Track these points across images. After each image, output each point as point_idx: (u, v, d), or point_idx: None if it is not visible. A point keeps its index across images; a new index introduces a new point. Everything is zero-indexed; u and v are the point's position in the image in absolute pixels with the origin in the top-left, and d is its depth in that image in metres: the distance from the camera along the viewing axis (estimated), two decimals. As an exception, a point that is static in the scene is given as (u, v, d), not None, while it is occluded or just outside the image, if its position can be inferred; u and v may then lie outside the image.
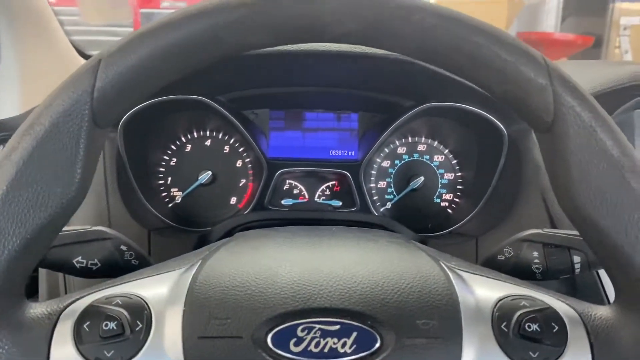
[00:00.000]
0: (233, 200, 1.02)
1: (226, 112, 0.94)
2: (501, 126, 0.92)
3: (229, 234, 0.84)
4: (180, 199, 1.01)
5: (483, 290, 0.47)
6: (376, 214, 1.01)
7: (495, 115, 0.91)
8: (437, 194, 1.03)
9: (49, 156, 0.39)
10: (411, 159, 1.03)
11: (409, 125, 0.98)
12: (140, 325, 0.43)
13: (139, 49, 0.40)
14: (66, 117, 0.40)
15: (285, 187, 1.02)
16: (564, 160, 0.41)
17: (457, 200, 1.03)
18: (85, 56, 1.14)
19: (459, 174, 1.03)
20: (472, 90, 0.85)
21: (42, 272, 0.77)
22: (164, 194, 1.00)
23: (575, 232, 0.60)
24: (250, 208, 1.00)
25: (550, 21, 4.89)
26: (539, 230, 0.60)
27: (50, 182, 0.40)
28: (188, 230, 0.98)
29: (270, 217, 0.95)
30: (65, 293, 0.76)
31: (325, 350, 0.41)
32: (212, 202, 1.02)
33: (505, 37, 0.41)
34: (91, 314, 0.43)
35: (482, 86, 0.43)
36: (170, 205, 1.01)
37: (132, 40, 0.40)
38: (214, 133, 1.01)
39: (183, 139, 1.00)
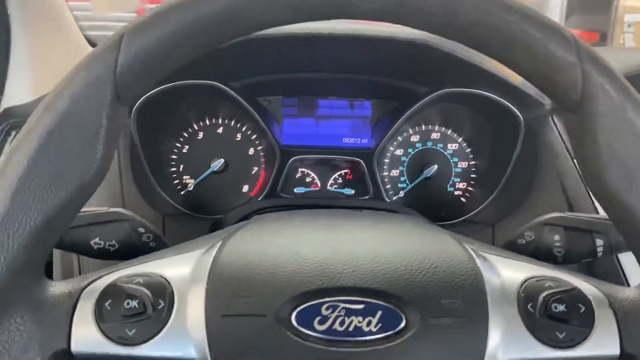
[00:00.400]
0: (245, 188, 1.02)
1: (240, 98, 0.93)
2: (517, 113, 0.91)
3: (242, 220, 0.83)
4: (192, 187, 1.01)
5: (508, 271, 0.46)
6: (389, 201, 1.00)
7: (512, 101, 0.90)
8: (451, 182, 1.03)
9: (71, 131, 0.39)
10: (425, 147, 1.02)
11: (423, 112, 0.98)
12: (163, 304, 0.42)
13: (162, 25, 0.39)
14: (89, 92, 0.39)
15: (298, 175, 1.02)
16: (593, 139, 0.40)
17: (470, 189, 1.02)
18: (95, 45, 1.14)
19: (473, 162, 1.02)
20: (488, 76, 0.85)
21: (57, 254, 0.77)
22: (176, 181, 1.00)
23: (598, 216, 0.59)
24: (262, 196, 1.00)
25: (554, 18, 4.87)
26: (561, 214, 0.59)
27: (72, 157, 0.39)
28: (201, 217, 0.97)
29: (283, 203, 0.95)
30: (80, 274, 0.76)
31: (350, 328, 0.41)
32: (224, 190, 1.01)
33: (534, 14, 0.40)
34: (112, 292, 0.43)
35: (510, 63, 0.42)
36: (182, 192, 1.00)
37: (155, 15, 0.40)
38: (226, 120, 1.00)
39: (195, 126, 1.00)
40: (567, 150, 0.85)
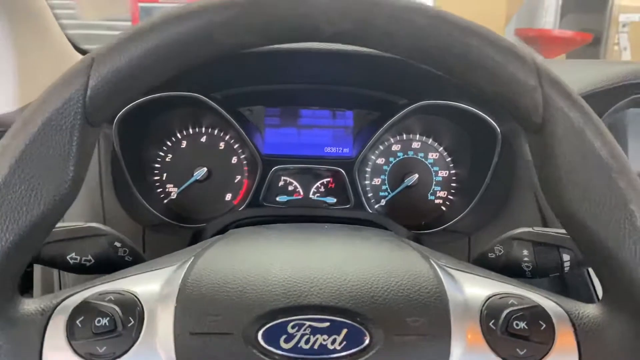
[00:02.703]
0: (228, 196, 1.03)
1: (221, 109, 0.94)
2: (494, 124, 0.92)
3: (223, 230, 0.84)
4: (175, 195, 1.01)
5: (472, 288, 0.47)
6: (370, 211, 1.01)
7: (489, 113, 0.92)
8: (432, 191, 1.04)
9: (42, 154, 0.40)
10: (406, 156, 1.03)
11: (404, 122, 0.99)
12: (133, 322, 0.43)
13: (132, 48, 0.40)
14: (59, 116, 0.40)
15: (280, 183, 1.02)
16: (553, 160, 0.41)
17: (451, 197, 1.04)
18: (81, 51, 1.14)
19: (453, 171, 1.03)
20: (466, 89, 0.86)
21: (37, 268, 0.78)
22: (159, 190, 1.01)
23: (564, 231, 0.60)
24: (245, 204, 1.00)
25: (549, 18, 4.88)
26: (529, 229, 0.61)
27: (43, 179, 0.40)
28: (183, 226, 0.98)
29: (265, 213, 0.95)
30: (60, 289, 0.77)
31: (315, 347, 0.42)
32: (207, 199, 1.02)
33: (495, 38, 0.42)
34: (84, 310, 0.43)
35: (473, 86, 0.43)
36: (165, 201, 1.01)
37: (125, 39, 0.41)
38: (210, 130, 1.01)
39: (178, 135, 1.01)
40: None
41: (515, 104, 0.42)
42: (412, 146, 1.03)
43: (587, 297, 0.76)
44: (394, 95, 0.97)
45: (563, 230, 0.60)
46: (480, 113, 0.92)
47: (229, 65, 0.86)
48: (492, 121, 0.92)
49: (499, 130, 0.92)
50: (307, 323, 0.42)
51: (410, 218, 1.01)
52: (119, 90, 0.41)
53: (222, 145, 1.02)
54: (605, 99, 0.81)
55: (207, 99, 0.92)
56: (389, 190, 1.03)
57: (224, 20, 0.40)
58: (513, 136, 0.91)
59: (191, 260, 0.48)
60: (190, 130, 1.01)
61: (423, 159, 1.03)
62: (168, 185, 1.01)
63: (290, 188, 1.03)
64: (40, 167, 0.40)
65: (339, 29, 0.41)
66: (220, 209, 1.02)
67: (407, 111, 0.94)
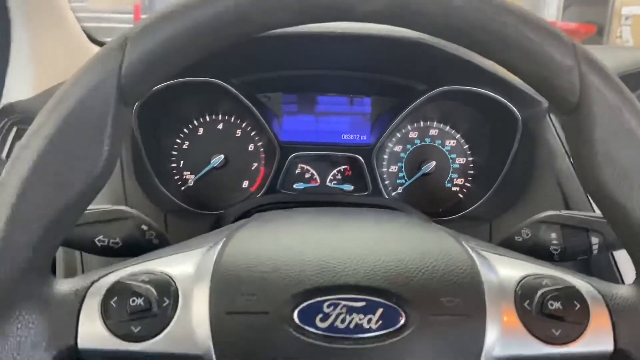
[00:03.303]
0: (245, 183, 1.03)
1: (239, 95, 0.94)
2: (515, 110, 0.92)
3: (243, 216, 0.84)
4: (192, 182, 1.01)
5: (505, 269, 0.47)
6: (388, 198, 1.01)
7: (509, 99, 0.91)
8: (449, 178, 1.03)
9: (77, 132, 0.40)
10: (423, 143, 1.03)
11: (422, 109, 0.99)
12: (168, 302, 0.43)
13: (166, 28, 0.40)
14: (94, 94, 0.40)
15: (297, 171, 1.02)
16: (589, 140, 0.41)
17: (468, 185, 1.03)
18: (96, 42, 1.14)
19: (471, 158, 1.03)
20: (486, 74, 0.85)
21: (60, 251, 0.78)
22: (176, 177, 1.01)
23: (593, 214, 0.60)
24: (262, 192, 1.01)
25: (552, 10, 4.87)
26: (557, 212, 0.60)
27: (78, 158, 0.40)
28: (201, 213, 0.98)
29: (283, 200, 0.95)
30: (83, 272, 0.77)
31: (351, 326, 0.42)
32: (225, 186, 1.02)
33: (532, 17, 0.41)
34: (118, 290, 0.43)
35: (508, 66, 0.43)
36: (182, 188, 1.01)
37: (158, 18, 0.40)
38: (227, 116, 1.01)
39: (195, 122, 1.01)
40: (564, 148, 0.86)
41: (551, 83, 0.41)
42: (430, 133, 1.03)
43: (612, 281, 0.75)
44: (413, 80, 0.96)
45: (591, 213, 0.59)
46: (501, 99, 0.91)
47: (247, 50, 0.86)
48: (512, 107, 0.91)
49: (519, 116, 0.92)
50: (343, 302, 0.42)
51: (428, 205, 1.01)
52: (153, 69, 0.41)
53: (239, 132, 1.02)
54: (632, 81, 0.80)
55: (226, 85, 0.92)
56: (405, 178, 1.03)
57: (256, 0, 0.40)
58: (534, 122, 0.90)
59: (222, 241, 0.48)
60: (207, 118, 1.01)
61: (440, 146, 1.03)
62: (185, 173, 1.01)
63: (307, 175, 1.03)
64: (76, 145, 0.40)
65: (372, 8, 0.41)
66: (237, 196, 1.02)
67: (427, 97, 0.94)
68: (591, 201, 0.78)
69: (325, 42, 0.84)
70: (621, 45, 4.46)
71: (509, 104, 0.91)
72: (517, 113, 0.92)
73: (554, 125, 0.88)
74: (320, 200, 0.95)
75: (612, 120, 0.40)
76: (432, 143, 1.03)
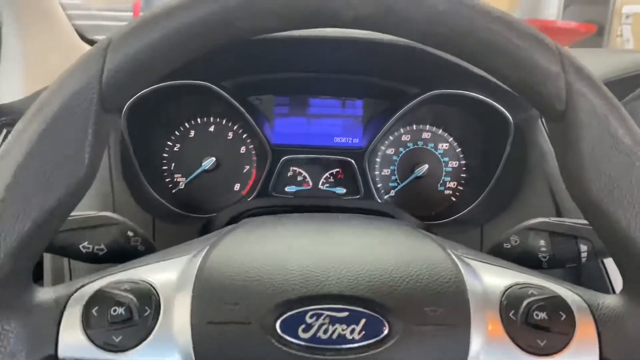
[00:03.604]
0: (237, 186, 1.02)
1: (230, 98, 0.93)
2: (507, 114, 0.91)
3: (233, 220, 0.84)
4: (183, 185, 1.01)
5: (491, 278, 0.47)
6: (380, 202, 1.01)
7: (502, 103, 0.91)
8: (441, 181, 1.03)
9: (58, 138, 0.39)
10: (415, 146, 1.03)
11: (414, 112, 0.98)
12: (149, 311, 0.43)
13: (148, 33, 0.40)
14: (75, 100, 0.39)
15: (289, 174, 1.02)
16: (576, 148, 0.41)
17: (461, 188, 1.03)
18: (88, 40, 1.14)
19: (464, 162, 1.03)
20: (479, 78, 0.85)
21: (47, 258, 0.77)
22: (167, 180, 1.00)
23: (582, 221, 0.60)
24: (254, 195, 1.00)
25: (552, 9, 4.86)
26: (546, 219, 0.60)
27: (59, 164, 0.39)
28: (192, 216, 0.98)
29: (274, 203, 0.95)
30: (70, 279, 0.76)
31: (334, 336, 0.41)
32: (216, 189, 1.02)
33: (518, 24, 0.41)
34: (99, 299, 0.43)
35: (494, 73, 0.43)
36: (173, 191, 1.01)
37: (141, 23, 0.40)
38: (218, 119, 1.01)
39: (187, 124, 1.00)
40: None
41: (538, 90, 0.41)
42: (422, 136, 1.02)
43: (603, 289, 0.75)
44: (406, 84, 0.96)
45: (580, 221, 0.59)
46: (493, 103, 0.91)
47: (238, 52, 0.85)
48: (505, 111, 0.91)
49: (511, 120, 0.91)
50: (326, 313, 0.42)
51: (420, 209, 1.01)
52: (135, 75, 0.40)
53: (230, 135, 1.01)
54: (618, 88, 0.80)
55: (217, 88, 0.92)
56: (398, 181, 1.03)
57: (242, 4, 0.39)
58: (526, 126, 0.90)
59: (207, 249, 0.48)
60: (199, 120, 1.00)
61: (433, 150, 1.03)
62: (176, 175, 1.01)
63: (299, 178, 1.02)
64: (57, 152, 0.39)
65: (358, 14, 0.40)
66: (229, 199, 1.02)
67: (419, 100, 0.94)
68: None
69: (318, 45, 0.84)
70: (615, 48, 4.47)
71: (501, 108, 0.91)
72: (510, 117, 0.92)
73: (545, 130, 0.88)
74: (311, 204, 0.95)
75: (599, 128, 0.40)
76: (424, 146, 1.03)
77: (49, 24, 1.04)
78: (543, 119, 0.89)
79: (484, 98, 0.91)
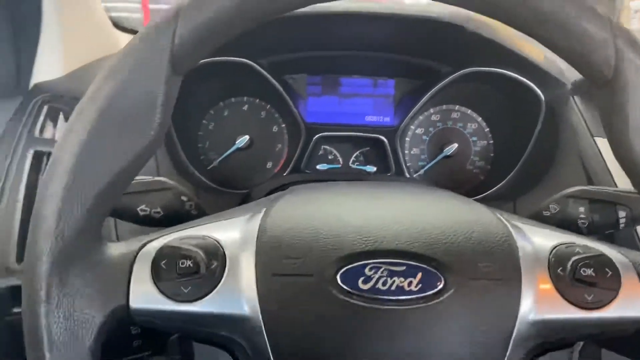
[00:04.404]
0: (269, 164, 1.04)
1: (268, 75, 0.95)
2: (539, 92, 0.92)
3: (271, 194, 0.86)
4: (217, 162, 1.03)
5: (539, 238, 0.48)
6: (412, 178, 1.02)
7: (534, 80, 0.92)
8: (470, 161, 1.05)
9: (131, 99, 0.41)
10: (445, 126, 1.04)
11: (446, 91, 1.00)
12: (215, 264, 0.45)
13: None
14: (148, 62, 0.41)
15: (320, 152, 1.04)
16: (622, 112, 0.42)
17: (489, 167, 1.04)
18: (120, 28, 1.16)
19: (492, 141, 1.04)
20: (511, 56, 0.86)
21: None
22: (202, 157, 1.03)
23: (619, 188, 0.61)
24: (286, 173, 1.02)
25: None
26: (585, 187, 0.62)
27: (131, 125, 0.41)
28: (227, 191, 1.00)
29: (309, 178, 0.97)
30: (117, 240, 0.79)
31: (392, 288, 0.43)
32: (249, 166, 1.04)
33: None
34: (167, 253, 0.45)
35: (545, 41, 0.44)
36: (208, 168, 1.03)
37: None
38: (252, 98, 1.03)
39: (221, 103, 1.02)
40: (588, 129, 0.87)
41: (587, 57, 0.42)
42: (452, 116, 1.04)
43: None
44: (438, 62, 0.97)
45: (617, 188, 0.61)
46: (525, 80, 0.92)
47: (275, 30, 0.87)
48: (536, 88, 0.92)
49: (543, 97, 0.92)
50: (384, 267, 0.44)
51: (450, 187, 1.01)
52: (204, 40, 0.42)
53: (263, 114, 1.03)
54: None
55: (255, 65, 0.94)
56: (428, 160, 1.05)
57: None
58: (557, 103, 0.91)
59: (264, 210, 0.50)
60: (233, 99, 1.02)
61: (462, 129, 1.04)
62: (211, 153, 1.03)
63: (330, 157, 1.04)
64: (129, 112, 0.41)
65: None
66: (262, 177, 1.04)
67: (452, 79, 0.95)
68: (614, 178, 0.80)
69: (352, 21, 0.85)
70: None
71: (533, 85, 0.92)
72: (541, 94, 0.93)
73: (577, 107, 0.89)
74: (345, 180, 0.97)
75: None
76: (454, 126, 1.04)
77: (86, 8, 1.06)
78: (575, 97, 0.90)
79: (516, 76, 0.92)
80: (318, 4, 0.44)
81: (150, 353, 0.61)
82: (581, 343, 0.79)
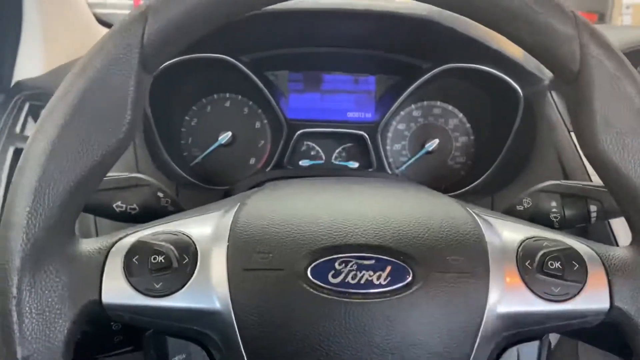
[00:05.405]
0: (252, 160, 1.05)
1: (249, 72, 0.95)
2: (517, 87, 0.93)
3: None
4: (200, 159, 1.03)
5: (508, 232, 0.49)
6: (392, 174, 1.03)
7: (512, 77, 0.93)
8: (451, 156, 1.06)
9: (101, 96, 0.41)
10: (426, 122, 1.05)
11: (425, 88, 1.00)
12: (187, 259, 0.45)
13: None
14: (117, 61, 0.41)
15: (303, 148, 1.04)
16: (588, 107, 0.43)
17: (470, 162, 1.05)
18: (103, 23, 1.16)
19: (473, 137, 1.05)
20: (490, 52, 0.87)
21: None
22: (185, 154, 1.03)
23: (591, 183, 0.62)
24: (269, 169, 1.03)
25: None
26: (557, 182, 0.62)
27: (102, 122, 0.41)
28: (209, 188, 1.00)
29: (290, 174, 0.97)
30: (97, 236, 0.79)
31: (362, 282, 0.44)
32: (232, 162, 1.04)
33: None
34: (140, 248, 0.45)
35: (512, 37, 0.45)
36: (191, 164, 1.03)
37: None
38: (234, 94, 1.03)
39: (204, 100, 1.03)
40: (565, 124, 0.88)
41: (553, 52, 0.43)
42: (433, 112, 1.05)
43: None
44: (418, 58, 0.98)
45: (589, 182, 0.62)
46: (504, 76, 0.93)
47: (256, 26, 0.87)
48: (515, 84, 0.93)
49: (521, 93, 0.93)
50: (354, 260, 0.44)
51: (431, 182, 1.03)
52: (174, 37, 0.43)
53: (246, 110, 1.04)
54: (632, 59, 0.82)
55: (236, 61, 0.94)
56: (409, 155, 1.05)
57: None
58: (535, 99, 0.92)
59: (237, 205, 0.50)
60: (215, 96, 1.03)
61: (443, 125, 1.05)
62: (193, 149, 1.04)
63: (313, 153, 1.05)
64: (100, 109, 0.41)
65: None
66: (245, 173, 1.04)
67: (432, 75, 0.96)
68: (589, 172, 0.81)
69: (333, 18, 0.86)
70: (628, 25, 4.45)
71: (512, 81, 0.93)
72: (520, 90, 0.94)
73: (554, 102, 0.90)
74: (327, 176, 0.97)
75: (611, 88, 0.42)
76: (435, 122, 1.05)
77: (67, 4, 1.06)
78: (552, 92, 0.91)
79: (495, 72, 0.93)
80: (288, 2, 0.44)
81: (132, 349, 0.61)
82: (558, 336, 0.80)
